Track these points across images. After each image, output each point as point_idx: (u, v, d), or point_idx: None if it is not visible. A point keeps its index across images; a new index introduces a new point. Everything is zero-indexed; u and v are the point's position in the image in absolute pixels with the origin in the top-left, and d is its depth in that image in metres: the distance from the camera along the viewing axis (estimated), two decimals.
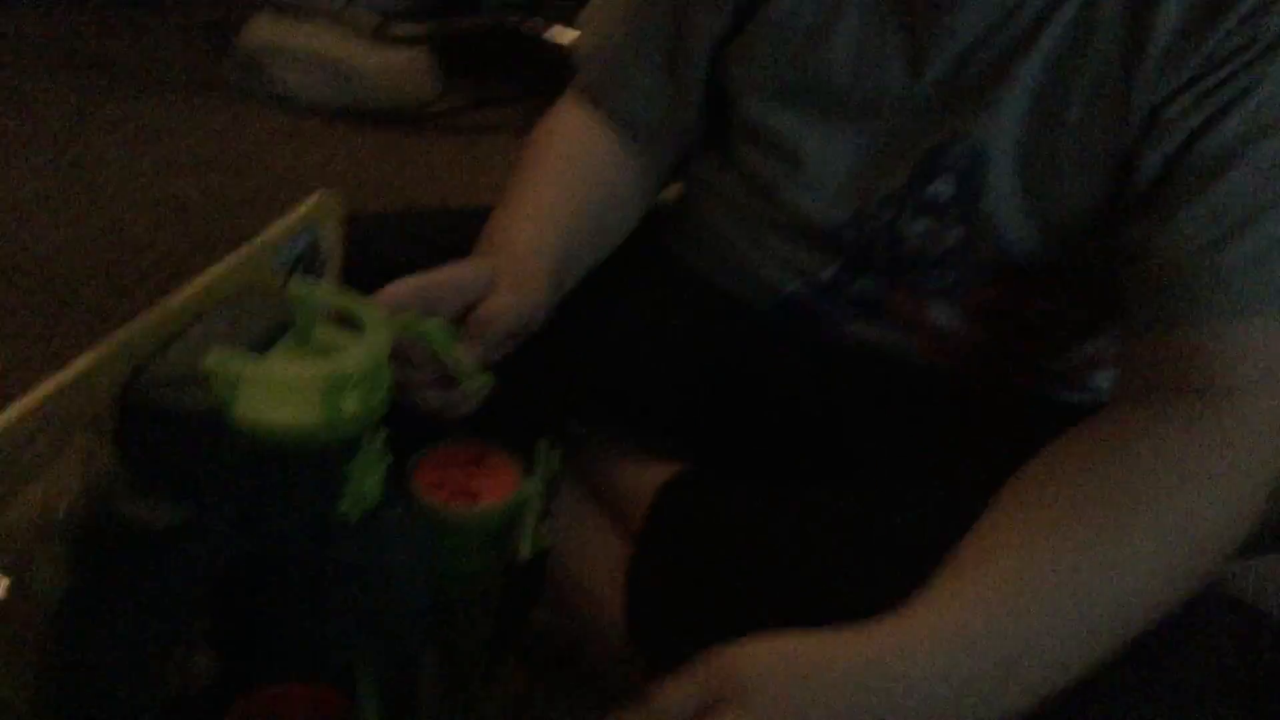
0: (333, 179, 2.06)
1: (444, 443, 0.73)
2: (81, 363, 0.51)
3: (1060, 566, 0.60)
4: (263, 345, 0.58)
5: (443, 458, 0.72)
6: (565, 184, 0.89)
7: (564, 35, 2.43)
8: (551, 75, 0.96)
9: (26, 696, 0.52)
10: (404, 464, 0.71)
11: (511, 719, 0.81)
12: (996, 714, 0.57)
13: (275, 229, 0.63)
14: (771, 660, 0.57)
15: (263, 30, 2.46)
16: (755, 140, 0.88)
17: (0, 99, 2.23)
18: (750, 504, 0.79)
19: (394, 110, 2.43)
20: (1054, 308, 0.83)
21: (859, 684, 0.56)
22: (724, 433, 0.94)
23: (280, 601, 0.61)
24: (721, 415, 0.94)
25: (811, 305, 0.88)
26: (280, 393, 0.54)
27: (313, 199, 0.65)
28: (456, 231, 0.83)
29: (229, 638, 0.63)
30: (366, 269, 0.70)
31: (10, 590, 0.46)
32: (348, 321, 0.59)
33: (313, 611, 0.62)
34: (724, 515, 0.79)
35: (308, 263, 0.67)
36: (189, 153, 2.11)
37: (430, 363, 0.68)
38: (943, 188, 0.79)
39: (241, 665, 0.64)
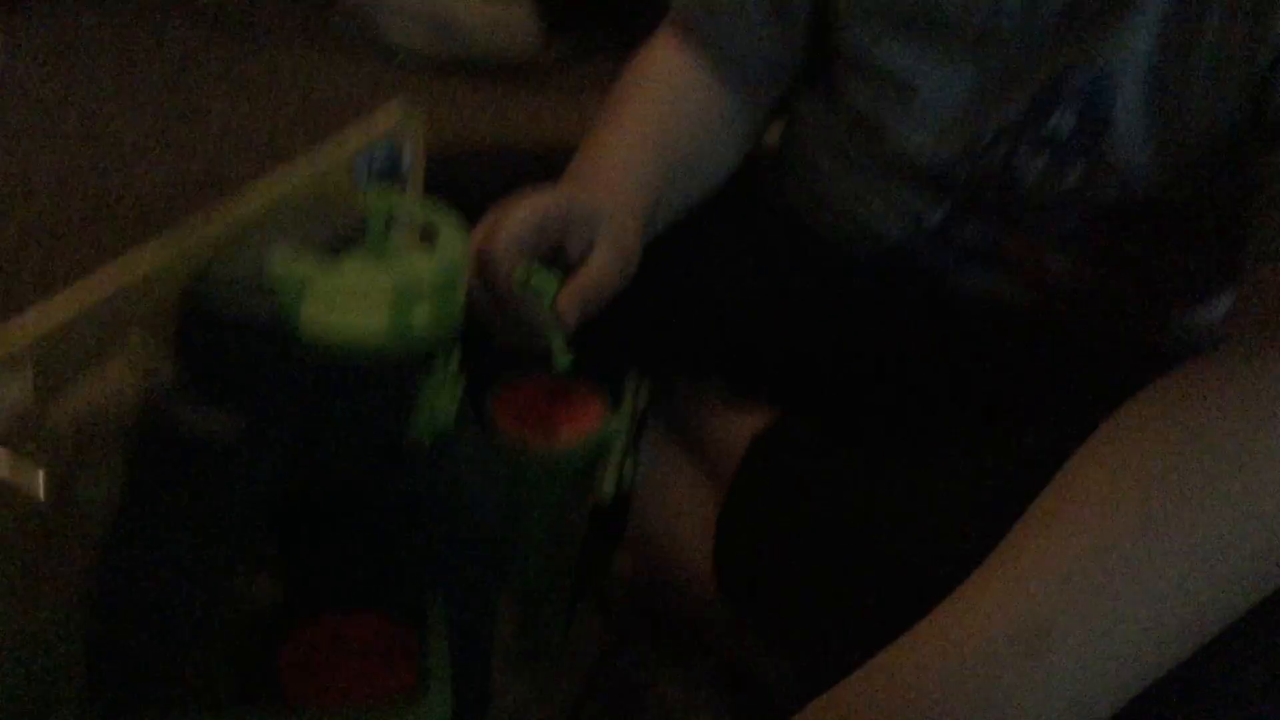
0: (435, 131, 2.04)
1: (525, 375, 0.69)
2: (141, 259, 0.48)
3: (1150, 528, 0.51)
4: (334, 254, 0.55)
5: (523, 391, 0.68)
6: (658, 122, 0.84)
7: None
8: (656, 27, 0.91)
9: (75, 617, 0.49)
10: (483, 395, 0.67)
11: (589, 671, 0.77)
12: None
13: (354, 137, 0.60)
14: None
15: None
16: (862, 73, 0.82)
17: (112, 48, 2.25)
18: (845, 457, 0.74)
19: (498, 63, 2.40)
20: (1178, 257, 0.76)
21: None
22: (821, 383, 0.89)
23: (347, 527, 0.58)
24: (819, 365, 0.89)
25: (918, 252, 0.83)
26: (347, 300, 0.51)
27: (393, 109, 0.62)
28: (543, 169, 0.79)
29: (293, 563, 0.61)
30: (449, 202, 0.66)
31: (51, 493, 0.43)
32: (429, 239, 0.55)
33: (380, 540, 0.58)
34: (818, 468, 0.74)
35: (387, 177, 0.63)
36: (293, 103, 2.10)
37: (531, 320, 0.65)
38: (1064, 119, 0.72)
39: (306, 593, 0.62)
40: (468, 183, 0.76)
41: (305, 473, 0.54)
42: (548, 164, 0.80)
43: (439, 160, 0.67)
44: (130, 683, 0.50)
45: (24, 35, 2.25)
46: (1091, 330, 0.80)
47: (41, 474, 0.42)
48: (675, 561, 0.84)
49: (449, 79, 2.31)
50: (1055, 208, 0.75)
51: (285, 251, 0.49)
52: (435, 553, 0.60)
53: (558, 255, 0.69)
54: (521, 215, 0.66)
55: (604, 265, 0.68)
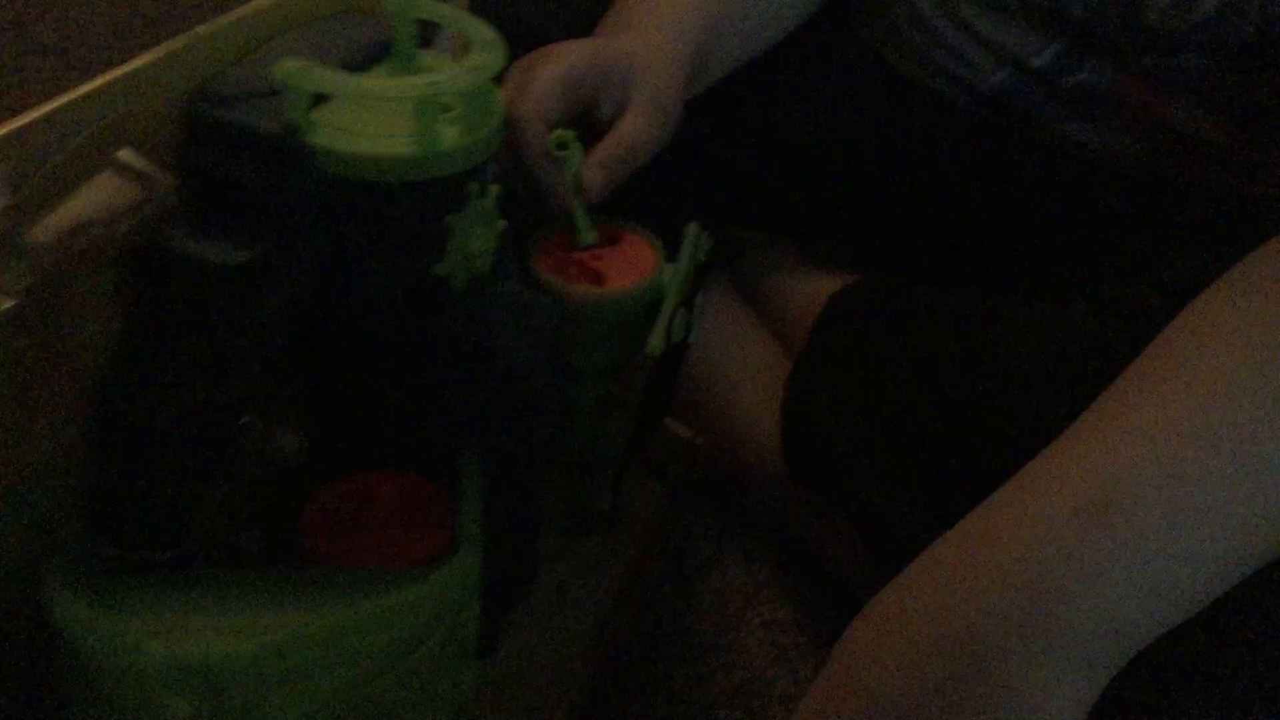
0: None
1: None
2: (130, 65, 0.43)
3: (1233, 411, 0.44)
4: (357, 69, 0.49)
5: (569, 239, 0.62)
6: None
7: None
8: None
9: (73, 455, 0.45)
10: (524, 243, 0.61)
11: (644, 545, 0.72)
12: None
13: None
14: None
15: None
16: None
17: None
18: (928, 317, 0.67)
19: None
20: None
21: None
22: (905, 242, 0.82)
23: (374, 376, 0.53)
24: (904, 221, 0.82)
25: (1022, 98, 0.75)
26: (366, 112, 0.45)
27: None
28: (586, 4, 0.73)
29: (319, 415, 0.56)
30: None
31: (31, 318, 0.38)
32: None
33: (411, 391, 0.53)
34: (899, 328, 0.67)
35: None
36: None
37: (557, 191, 0.59)
38: None
39: (333, 449, 0.57)
40: (514, 11, 0.70)
41: (325, 310, 0.49)
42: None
43: None
44: (133, 532, 0.46)
45: None
46: (1209, 187, 0.72)
47: (5, 304, 0.37)
48: (740, 433, 0.78)
49: None
50: (1182, 47, 0.67)
51: (295, 60, 0.44)
52: (471, 407, 0.54)
53: (590, 114, 0.62)
54: (550, 74, 0.59)
55: (638, 127, 0.61)
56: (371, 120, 0.46)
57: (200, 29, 0.45)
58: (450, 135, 0.45)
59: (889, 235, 0.83)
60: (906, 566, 0.46)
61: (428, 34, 0.52)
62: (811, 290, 0.79)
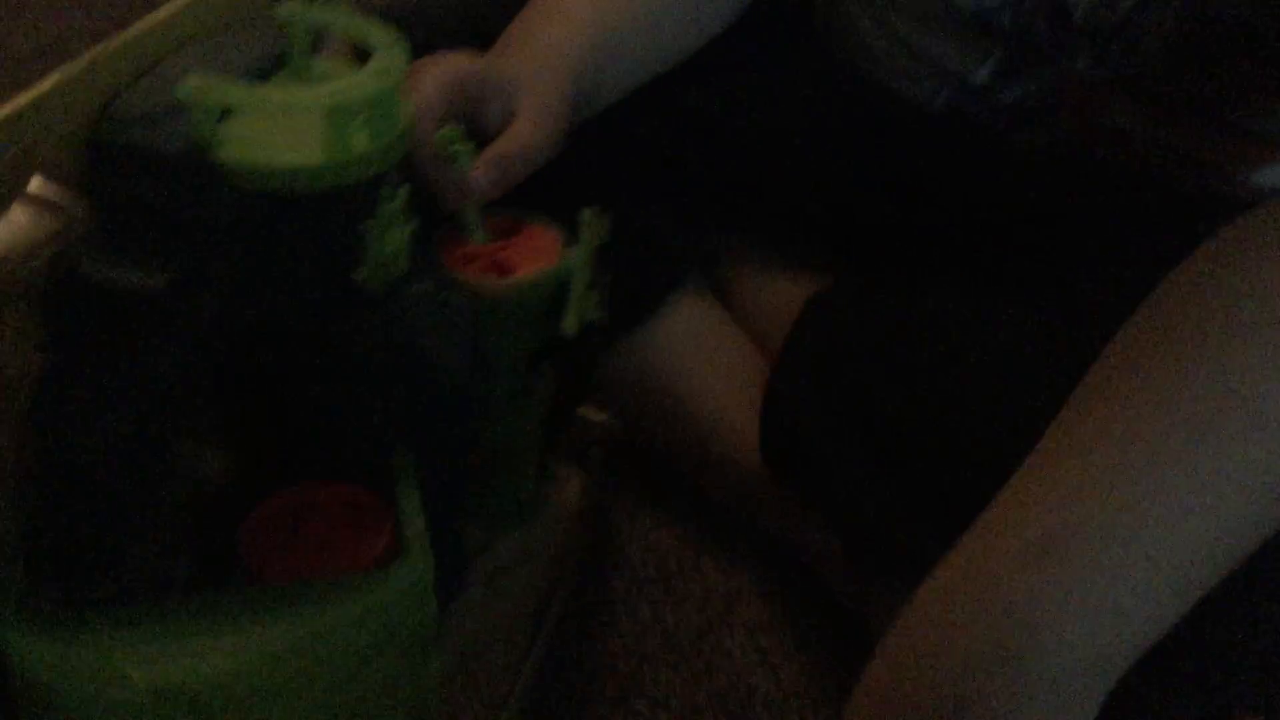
0: None
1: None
2: (33, 91, 0.42)
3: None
4: (256, 80, 0.49)
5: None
6: None
7: None
8: None
9: (9, 500, 0.44)
10: (429, 239, 0.62)
11: (568, 527, 0.73)
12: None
13: None
14: None
15: None
16: None
17: None
18: (904, 317, 0.69)
19: None
20: (1254, 97, 0.70)
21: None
22: (874, 240, 0.84)
23: (300, 388, 0.53)
24: (871, 219, 0.84)
25: (969, 114, 0.77)
26: (274, 124, 0.45)
27: None
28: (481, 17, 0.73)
29: (247, 432, 0.55)
30: None
31: None
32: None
33: (337, 399, 0.53)
34: (876, 329, 0.70)
35: None
36: None
37: (445, 187, 0.59)
38: None
39: (263, 465, 0.57)
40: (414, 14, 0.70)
41: (247, 326, 0.49)
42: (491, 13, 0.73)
43: None
44: (74, 569, 0.45)
45: None
46: (1158, 181, 0.75)
47: None
48: (710, 430, 0.79)
49: None
50: (1114, 38, 0.69)
51: (199, 77, 0.43)
52: (398, 409, 0.55)
53: (476, 121, 0.63)
54: (436, 74, 0.59)
55: (528, 131, 0.62)
56: (276, 131, 0.45)
57: (97, 49, 0.44)
58: (361, 141, 0.46)
59: (862, 236, 0.84)
60: (885, 636, 0.48)
61: (316, 42, 0.52)
62: (788, 291, 0.80)
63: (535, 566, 0.70)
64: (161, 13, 0.47)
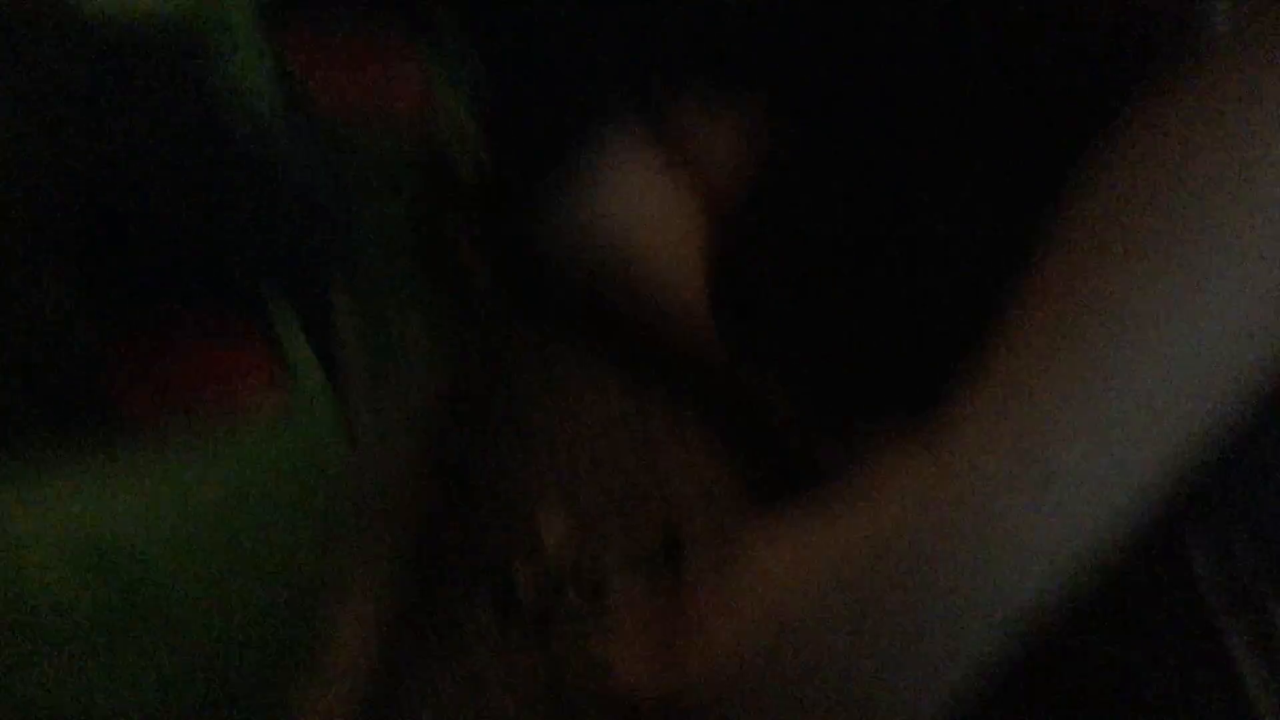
0: None
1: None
2: None
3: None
4: None
5: (322, 42, 0.59)
6: None
7: None
8: None
9: None
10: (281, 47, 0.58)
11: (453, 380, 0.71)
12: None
13: None
14: None
15: None
16: None
17: None
18: (859, 176, 0.68)
19: None
20: None
21: None
22: (821, 81, 0.81)
23: (165, 221, 0.49)
24: (816, 58, 0.81)
25: None
26: None
27: None
28: None
29: (105, 264, 0.51)
30: None
31: None
32: None
33: (203, 237, 0.50)
34: (831, 187, 0.68)
35: None
36: None
37: None
38: None
39: (122, 300, 0.53)
40: None
41: (104, 174, 0.45)
42: None
43: None
44: None
45: None
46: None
47: None
48: (659, 292, 0.76)
49: None
50: None
51: None
52: (266, 240, 0.52)
53: None
54: None
55: None
56: None
57: None
58: None
59: (801, 72, 0.81)
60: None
61: None
62: (729, 138, 0.77)
63: (410, 415, 0.68)
64: None
